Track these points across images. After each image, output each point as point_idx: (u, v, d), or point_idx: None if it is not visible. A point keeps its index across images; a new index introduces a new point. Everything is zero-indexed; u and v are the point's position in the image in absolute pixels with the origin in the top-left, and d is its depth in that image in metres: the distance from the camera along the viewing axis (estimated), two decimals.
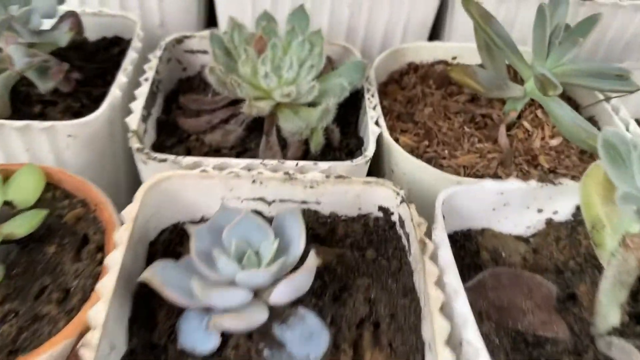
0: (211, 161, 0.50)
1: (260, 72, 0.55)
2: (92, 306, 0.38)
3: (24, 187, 0.48)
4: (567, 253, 0.50)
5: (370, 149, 0.52)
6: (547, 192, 0.50)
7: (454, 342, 0.39)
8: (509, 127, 0.60)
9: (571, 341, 0.41)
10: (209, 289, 0.37)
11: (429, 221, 0.46)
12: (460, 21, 0.73)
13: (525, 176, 0.56)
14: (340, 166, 0.51)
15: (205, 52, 0.67)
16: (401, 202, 0.48)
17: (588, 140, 0.51)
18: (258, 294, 0.40)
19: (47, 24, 0.59)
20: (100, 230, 0.47)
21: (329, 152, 0.57)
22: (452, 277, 0.41)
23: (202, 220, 0.50)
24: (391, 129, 0.60)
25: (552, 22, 0.54)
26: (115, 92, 0.57)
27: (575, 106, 0.65)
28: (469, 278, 0.46)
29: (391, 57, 0.67)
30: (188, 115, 0.60)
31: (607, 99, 0.62)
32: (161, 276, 0.38)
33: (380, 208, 0.50)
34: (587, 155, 0.58)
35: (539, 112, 0.62)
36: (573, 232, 0.51)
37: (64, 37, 0.57)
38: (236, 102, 0.59)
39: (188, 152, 0.56)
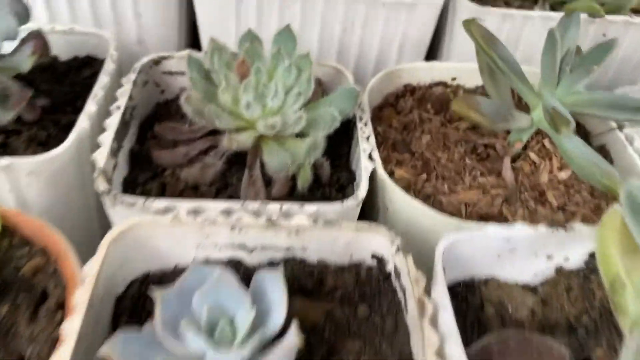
0: (185, 205, 0.45)
1: (242, 100, 0.50)
2: None
3: None
4: (580, 305, 0.45)
5: (362, 189, 0.48)
6: (558, 237, 0.46)
7: None
8: (513, 159, 0.55)
9: None
10: None
11: (427, 267, 0.42)
12: (459, 39, 0.68)
13: (532, 215, 0.51)
14: (329, 209, 0.46)
15: (184, 73, 0.62)
16: (397, 251, 0.43)
17: (602, 180, 0.46)
18: None
19: (8, 46, 0.54)
20: (61, 284, 0.42)
21: (317, 188, 0.52)
22: (454, 346, 0.36)
23: (176, 269, 0.45)
24: (386, 160, 0.55)
25: (562, 47, 0.49)
26: (83, 122, 0.52)
27: (585, 133, 0.61)
28: (472, 338, 0.41)
29: (386, 78, 0.62)
30: (164, 145, 0.55)
31: (620, 127, 0.57)
32: (121, 351, 0.33)
33: (374, 256, 0.45)
34: (599, 190, 0.53)
35: (546, 142, 0.57)
36: (586, 281, 0.46)
37: (26, 62, 0.52)
38: (216, 131, 0.54)
39: (163, 189, 0.51)
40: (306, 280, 0.44)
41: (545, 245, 0.46)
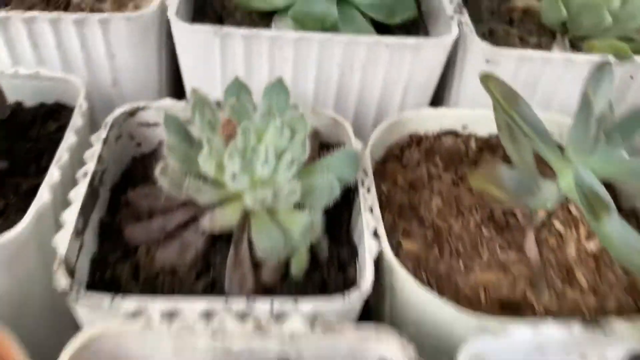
0: (158, 307, 0.38)
1: (227, 169, 0.44)
2: None
3: None
4: None
5: (367, 279, 0.41)
6: (593, 337, 0.39)
7: None
8: (536, 229, 0.49)
9: None
10: None
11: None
12: (470, 82, 0.61)
13: (559, 299, 0.44)
14: (328, 307, 0.39)
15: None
16: None
17: None
18: None
19: None
20: None
21: (314, 269, 0.45)
22: None
23: None
24: (392, 229, 0.48)
25: (596, 108, 0.43)
26: (44, 195, 0.45)
27: (613, 194, 0.54)
28: None
29: (390, 128, 0.56)
30: (138, 215, 0.48)
31: None
32: None
33: None
34: None
35: (572, 206, 0.51)
36: None
37: None
38: None
39: (136, 272, 0.44)
40: None
41: (579, 344, 0.40)
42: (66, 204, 0.45)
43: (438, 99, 0.66)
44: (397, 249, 0.47)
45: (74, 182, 0.47)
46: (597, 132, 0.42)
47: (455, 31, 0.58)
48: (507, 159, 0.53)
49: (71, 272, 0.41)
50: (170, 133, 0.46)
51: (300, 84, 0.59)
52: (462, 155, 0.56)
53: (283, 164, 0.45)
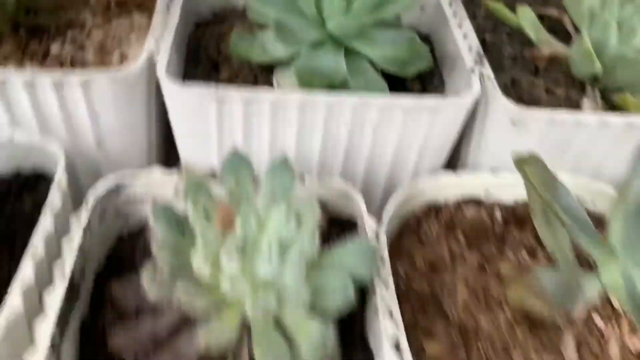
0: None
1: (224, 271, 0.38)
2: None
3: None
4: None
5: None
6: None
7: None
8: (575, 328, 0.43)
9: None
10: None
11: None
12: (492, 144, 0.55)
13: None
14: None
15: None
16: None
17: None
18: None
19: None
20: None
21: None
22: None
23: None
24: (412, 327, 0.43)
25: None
26: (14, 300, 0.39)
27: None
28: None
29: (405, 199, 0.50)
30: (123, 314, 0.43)
31: None
32: None
33: None
34: None
35: (613, 298, 0.45)
36: None
37: None
38: None
39: None
40: None
41: None
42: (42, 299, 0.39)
43: (453, 158, 0.60)
44: (419, 353, 0.42)
45: (50, 273, 0.41)
46: None
47: (477, 87, 0.53)
48: (536, 236, 0.48)
49: None
50: (159, 226, 0.40)
51: (305, 147, 0.53)
52: (487, 228, 0.51)
53: (289, 260, 0.39)
